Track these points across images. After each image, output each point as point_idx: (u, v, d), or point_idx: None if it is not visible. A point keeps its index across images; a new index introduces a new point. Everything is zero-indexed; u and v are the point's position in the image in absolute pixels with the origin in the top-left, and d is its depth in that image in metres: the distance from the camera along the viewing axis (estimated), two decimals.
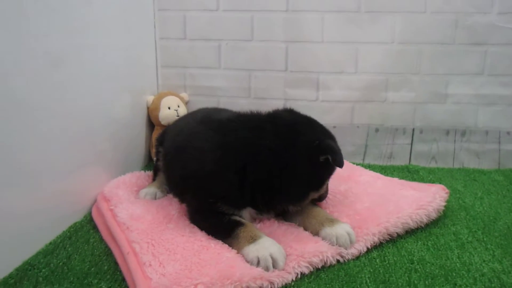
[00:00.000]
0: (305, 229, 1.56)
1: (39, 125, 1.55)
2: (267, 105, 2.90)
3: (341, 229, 1.47)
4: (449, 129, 2.65)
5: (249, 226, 1.47)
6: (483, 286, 1.27)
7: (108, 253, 1.44)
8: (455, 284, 1.28)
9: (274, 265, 1.31)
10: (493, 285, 1.27)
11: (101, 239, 1.54)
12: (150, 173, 2.14)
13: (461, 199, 1.99)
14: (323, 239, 1.47)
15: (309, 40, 2.65)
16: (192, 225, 1.54)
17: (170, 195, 1.88)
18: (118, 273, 1.31)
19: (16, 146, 1.44)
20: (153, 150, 2.27)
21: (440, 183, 2.20)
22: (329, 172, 1.53)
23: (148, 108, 2.64)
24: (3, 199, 1.34)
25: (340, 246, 1.44)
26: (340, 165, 1.40)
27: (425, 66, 2.58)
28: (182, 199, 1.74)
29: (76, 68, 1.82)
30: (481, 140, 2.61)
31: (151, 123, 2.66)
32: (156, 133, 2.57)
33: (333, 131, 2.76)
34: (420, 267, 1.38)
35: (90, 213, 1.75)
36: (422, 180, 2.27)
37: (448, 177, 2.35)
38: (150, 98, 2.64)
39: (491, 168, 2.53)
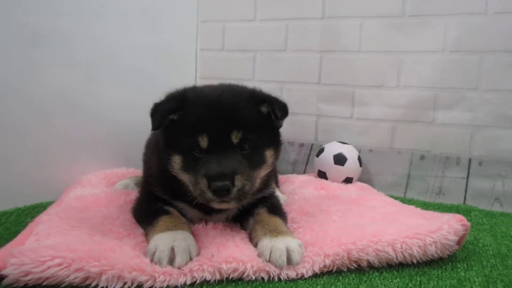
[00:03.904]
0: (250, 238, 1.31)
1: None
2: (298, 122, 2.74)
3: (281, 243, 1.18)
4: None
5: (176, 216, 1.31)
6: None
7: None
8: None
9: (172, 260, 1.11)
10: None
11: None
12: None
13: (508, 247, 1.47)
14: (258, 251, 1.20)
15: (345, 49, 2.42)
16: (126, 212, 1.46)
17: None
18: None
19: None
20: None
21: (492, 229, 1.68)
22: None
23: None
24: None
25: (272, 262, 1.15)
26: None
27: (486, 80, 2.08)
28: None
29: (115, 76, 2.13)
30: None
31: None
32: None
33: (369, 155, 2.49)
34: None
35: None
36: (471, 223, 1.71)
37: (509, 224, 1.78)
38: None
39: None
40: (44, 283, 1.01)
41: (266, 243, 1.19)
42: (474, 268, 1.26)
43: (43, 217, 1.34)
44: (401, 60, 2.28)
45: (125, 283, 1.04)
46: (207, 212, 1.41)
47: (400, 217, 1.49)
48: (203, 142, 1.22)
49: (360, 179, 2.29)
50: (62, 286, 1.01)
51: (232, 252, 1.15)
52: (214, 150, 1.21)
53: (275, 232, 1.24)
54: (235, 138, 1.23)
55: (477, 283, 1.16)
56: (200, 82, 2.87)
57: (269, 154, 1.33)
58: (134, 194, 1.68)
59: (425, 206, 1.99)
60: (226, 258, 1.12)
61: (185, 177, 1.28)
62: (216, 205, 1.24)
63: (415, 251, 1.23)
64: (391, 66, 2.30)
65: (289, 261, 1.15)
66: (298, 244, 1.20)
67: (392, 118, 2.33)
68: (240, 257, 1.13)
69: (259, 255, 1.17)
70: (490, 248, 1.45)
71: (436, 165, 2.23)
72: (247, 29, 2.68)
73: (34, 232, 1.22)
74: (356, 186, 2.13)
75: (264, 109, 1.32)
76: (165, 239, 1.16)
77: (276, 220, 1.33)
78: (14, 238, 1.27)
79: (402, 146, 2.32)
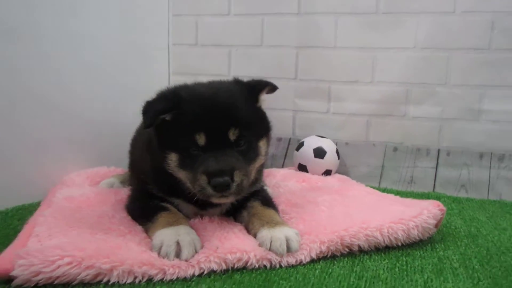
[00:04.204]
0: (248, 230, 1.40)
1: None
2: (275, 117, 2.85)
3: (279, 232, 1.28)
4: (483, 152, 2.28)
5: (174, 213, 1.37)
6: None
7: None
8: None
9: (179, 254, 1.17)
10: None
11: None
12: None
13: (476, 228, 1.67)
14: (259, 241, 1.29)
15: (321, 45, 2.54)
16: (121, 210, 1.50)
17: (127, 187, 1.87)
18: None
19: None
20: None
21: (461, 213, 1.88)
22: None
23: None
24: None
25: (273, 251, 1.25)
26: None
27: (455, 76, 2.30)
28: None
29: (85, 74, 2.09)
30: None
31: None
32: None
33: (345, 148, 2.66)
34: (365, 285, 1.14)
35: None
36: None
37: (476, 208, 2.00)
38: None
39: None
40: (55, 282, 1.04)
41: (266, 233, 1.28)
42: (450, 247, 1.43)
43: (38, 218, 1.35)
44: (375, 56, 2.44)
45: (135, 278, 1.09)
46: (202, 207, 1.48)
47: (382, 205, 1.64)
48: (201, 140, 1.28)
49: (338, 171, 2.44)
50: (73, 284, 1.05)
51: (234, 243, 1.24)
52: (211, 148, 1.28)
53: (272, 223, 1.34)
54: (232, 135, 1.30)
55: (455, 261, 1.32)
56: (173, 78, 2.90)
57: (262, 144, 1.42)
58: (122, 192, 1.72)
59: (398, 194, 2.15)
60: (231, 249, 1.20)
61: (182, 174, 1.34)
62: (216, 200, 1.32)
63: (400, 235, 1.38)
64: (366, 62, 2.46)
65: (289, 249, 1.25)
66: (295, 233, 1.31)
67: (366, 112, 2.49)
68: (243, 247, 1.21)
69: (260, 245, 1.26)
70: (461, 230, 1.64)
71: (408, 156, 2.42)
72: (222, 23, 2.74)
73: (33, 234, 1.23)
74: (335, 178, 2.28)
75: (263, 97, 1.43)
76: (169, 234, 1.22)
77: (271, 212, 1.43)
78: (9, 241, 1.27)
79: (376, 139, 2.50)
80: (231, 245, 1.22)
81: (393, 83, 2.42)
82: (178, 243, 1.19)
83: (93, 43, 2.16)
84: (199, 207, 1.48)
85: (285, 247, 1.25)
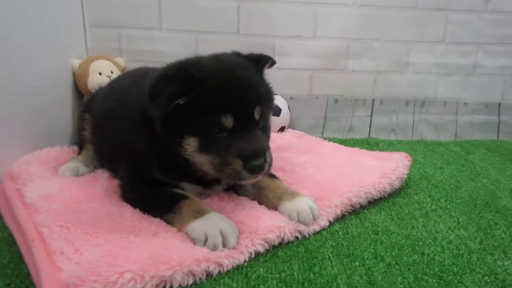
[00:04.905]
0: (261, 204, 1.45)
1: None
2: None
3: (303, 204, 1.37)
4: (409, 100, 2.67)
5: (194, 199, 1.34)
6: (451, 254, 1.25)
7: (11, 242, 1.25)
8: (423, 254, 1.25)
9: (225, 244, 1.19)
10: (461, 252, 1.26)
11: (4, 226, 1.34)
12: (76, 148, 1.93)
13: (422, 169, 2.01)
14: (284, 215, 1.36)
15: None
16: (122, 203, 1.38)
17: (99, 171, 1.70)
18: (22, 266, 1.13)
19: None
20: None
21: None
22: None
23: (74, 74, 2.37)
24: None
25: (301, 222, 1.34)
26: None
27: (388, 32, 2.55)
28: (114, 172, 1.60)
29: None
30: (439, 111, 2.67)
31: (79, 91, 2.40)
32: None
33: (290, 103, 2.80)
34: (385, 238, 1.34)
35: None
36: None
37: (407, 149, 2.38)
38: (76, 62, 2.37)
39: (448, 140, 2.61)
40: None
41: (290, 206, 1.36)
42: (418, 192, 1.73)
43: (43, 231, 1.15)
44: (316, 11, 2.53)
45: (194, 276, 1.08)
46: (207, 186, 1.47)
47: (358, 161, 1.85)
48: (228, 122, 1.23)
49: None
50: None
51: (269, 221, 1.29)
52: (239, 129, 1.24)
53: (288, 195, 1.41)
54: (257, 114, 1.28)
55: (430, 204, 1.62)
56: (90, 31, 2.55)
57: (270, 118, 1.44)
58: (102, 179, 1.57)
59: (341, 142, 2.44)
60: (268, 228, 1.25)
61: (202, 159, 1.29)
62: (245, 182, 1.33)
63: (387, 188, 1.62)
64: (308, 17, 2.54)
65: (313, 217, 1.36)
66: (312, 201, 1.42)
67: (310, 67, 2.63)
68: (278, 224, 1.28)
69: (288, 218, 1.34)
70: (413, 172, 1.95)
71: (347, 107, 2.68)
72: None
73: (56, 252, 1.07)
74: (291, 134, 2.42)
75: (266, 71, 1.42)
76: (208, 224, 1.21)
77: (279, 183, 1.50)
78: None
79: (319, 92, 2.68)
80: (267, 224, 1.28)
81: (335, 38, 2.57)
82: (221, 232, 1.18)
83: None
84: (204, 186, 1.46)
85: (311, 216, 1.35)
